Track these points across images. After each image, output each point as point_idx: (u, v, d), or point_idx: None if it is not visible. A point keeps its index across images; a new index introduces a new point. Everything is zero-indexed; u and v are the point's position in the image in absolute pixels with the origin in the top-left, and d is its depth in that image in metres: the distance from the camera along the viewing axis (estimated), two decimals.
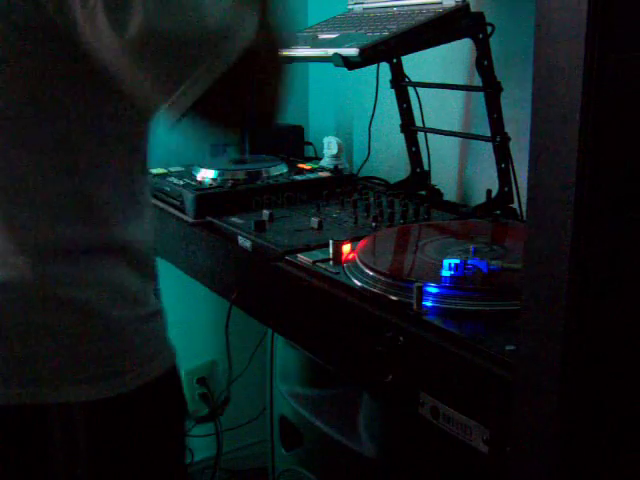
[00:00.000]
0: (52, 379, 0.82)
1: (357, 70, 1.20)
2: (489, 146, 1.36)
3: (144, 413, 0.88)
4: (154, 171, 1.55)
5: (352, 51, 1.15)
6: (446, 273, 0.96)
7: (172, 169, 1.61)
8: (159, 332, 0.91)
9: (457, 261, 0.96)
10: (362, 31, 1.26)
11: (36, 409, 0.82)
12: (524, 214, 1.23)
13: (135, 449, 0.89)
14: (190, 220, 1.40)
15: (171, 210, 1.46)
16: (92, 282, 0.84)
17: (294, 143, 1.86)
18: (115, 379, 0.84)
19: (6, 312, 0.82)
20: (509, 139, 1.33)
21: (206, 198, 1.41)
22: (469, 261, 0.98)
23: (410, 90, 1.53)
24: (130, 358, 0.86)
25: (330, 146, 1.69)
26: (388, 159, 1.74)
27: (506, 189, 1.36)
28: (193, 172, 1.55)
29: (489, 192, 1.36)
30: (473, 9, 1.28)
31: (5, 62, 0.77)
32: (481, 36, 1.28)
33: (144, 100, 0.78)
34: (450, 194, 1.56)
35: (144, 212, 0.92)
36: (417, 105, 1.54)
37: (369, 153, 1.73)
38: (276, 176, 1.54)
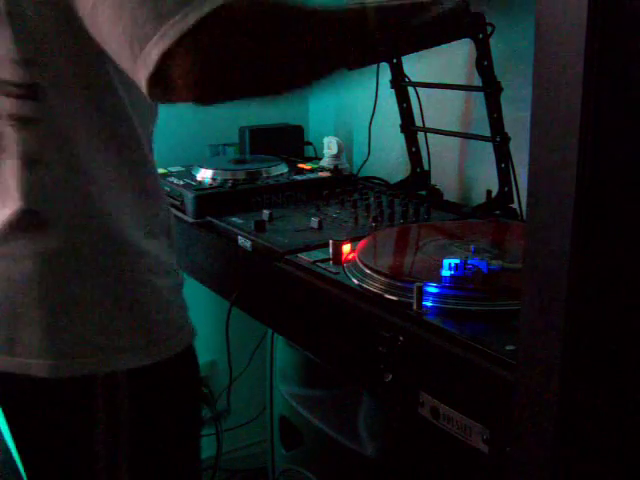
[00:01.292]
0: (97, 350, 0.84)
1: (357, 70, 1.20)
2: (489, 146, 1.36)
3: (176, 380, 0.92)
4: None
5: None
6: (446, 273, 0.96)
7: (172, 169, 1.61)
8: (184, 303, 0.95)
9: (457, 261, 0.96)
10: None
11: (84, 380, 0.84)
12: (524, 214, 1.23)
13: (171, 414, 0.93)
14: (190, 220, 1.40)
15: (171, 210, 1.46)
16: (131, 251, 0.86)
17: (294, 143, 1.86)
18: (153, 347, 0.87)
19: (48, 283, 0.82)
20: (509, 139, 1.33)
21: (206, 198, 1.41)
22: (469, 261, 0.98)
23: (410, 90, 1.53)
24: (166, 327, 0.89)
25: (330, 146, 1.69)
26: (388, 159, 1.73)
27: (506, 189, 1.36)
28: (193, 172, 1.55)
29: (489, 192, 1.36)
30: (473, 9, 1.28)
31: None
32: (481, 36, 1.28)
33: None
34: (450, 194, 1.56)
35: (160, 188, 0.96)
36: (417, 105, 1.54)
37: (369, 153, 1.73)
38: (276, 176, 1.54)
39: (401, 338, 0.88)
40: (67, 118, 0.80)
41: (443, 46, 1.31)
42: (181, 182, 1.49)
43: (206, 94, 0.71)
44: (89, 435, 0.86)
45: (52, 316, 0.82)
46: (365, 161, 1.74)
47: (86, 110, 0.81)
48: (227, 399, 1.57)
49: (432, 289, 0.93)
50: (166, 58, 0.68)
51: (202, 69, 0.69)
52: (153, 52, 0.68)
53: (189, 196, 1.40)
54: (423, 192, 1.52)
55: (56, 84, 0.79)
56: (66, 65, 0.78)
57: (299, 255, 1.13)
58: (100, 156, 0.83)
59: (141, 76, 0.69)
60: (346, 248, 1.09)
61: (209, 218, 1.37)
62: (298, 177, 1.54)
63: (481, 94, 1.34)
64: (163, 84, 0.69)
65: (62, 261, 0.82)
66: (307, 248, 1.16)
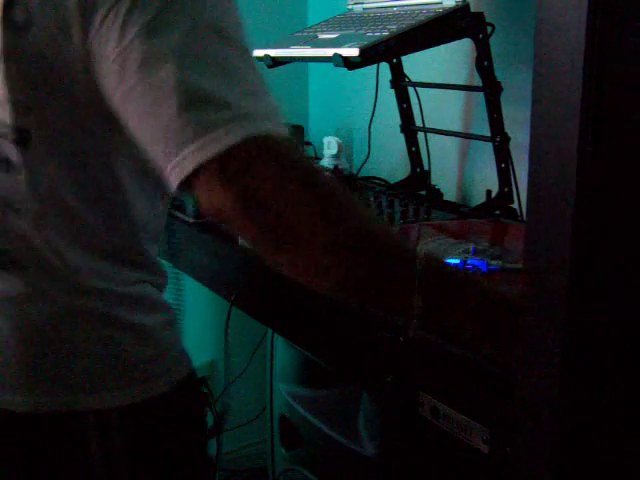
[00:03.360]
0: (86, 386, 0.82)
1: (357, 70, 1.20)
2: (489, 146, 1.36)
3: (173, 416, 0.90)
4: None
5: (352, 51, 1.15)
6: None
7: None
8: (178, 338, 0.93)
9: (457, 261, 0.96)
10: (362, 31, 1.26)
11: (71, 416, 0.82)
12: (524, 214, 1.23)
13: (166, 450, 0.90)
14: (190, 220, 1.40)
15: (171, 210, 1.46)
16: (121, 293, 0.85)
17: None
18: (146, 384, 0.85)
19: (38, 323, 0.82)
20: (509, 139, 1.33)
21: None
22: (469, 261, 0.98)
23: (410, 90, 1.53)
24: (158, 363, 0.87)
25: (330, 146, 1.69)
26: (388, 159, 1.74)
27: (506, 189, 1.36)
28: None
29: (489, 192, 1.36)
30: (473, 9, 1.28)
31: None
32: (481, 36, 1.28)
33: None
34: (450, 194, 1.56)
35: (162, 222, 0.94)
36: (417, 105, 1.54)
37: (369, 153, 1.73)
38: None
39: (401, 338, 0.88)
40: (51, 171, 0.79)
41: (443, 46, 1.32)
42: None
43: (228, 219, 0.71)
44: (81, 472, 0.85)
45: (29, 356, 0.82)
46: (365, 161, 1.74)
47: (71, 167, 0.79)
48: (227, 390, 1.56)
49: None
50: (197, 171, 0.67)
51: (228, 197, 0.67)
52: (187, 161, 0.66)
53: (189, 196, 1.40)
54: (423, 192, 1.52)
55: (44, 135, 0.78)
56: (57, 118, 0.77)
57: None
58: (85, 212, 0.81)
59: (173, 178, 0.68)
60: None
61: (209, 218, 1.37)
62: None
63: (481, 94, 1.34)
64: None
65: (33, 303, 0.81)
66: None
